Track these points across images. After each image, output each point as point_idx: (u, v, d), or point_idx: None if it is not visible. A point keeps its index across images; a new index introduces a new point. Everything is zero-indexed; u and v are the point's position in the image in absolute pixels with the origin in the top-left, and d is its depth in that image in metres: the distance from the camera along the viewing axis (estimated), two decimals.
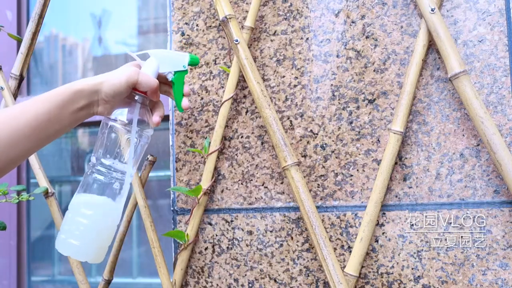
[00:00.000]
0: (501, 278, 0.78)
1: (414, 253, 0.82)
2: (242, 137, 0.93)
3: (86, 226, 0.73)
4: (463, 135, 0.81)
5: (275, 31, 0.92)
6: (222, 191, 0.94)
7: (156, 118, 0.78)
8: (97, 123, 1.47)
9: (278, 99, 0.91)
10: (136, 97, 0.76)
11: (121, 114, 0.76)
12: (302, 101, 0.90)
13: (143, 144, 0.79)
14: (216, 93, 0.95)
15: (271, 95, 0.91)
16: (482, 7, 0.81)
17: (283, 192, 0.90)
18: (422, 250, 0.82)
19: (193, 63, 0.82)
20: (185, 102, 0.81)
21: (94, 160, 0.76)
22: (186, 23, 0.98)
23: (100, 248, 0.75)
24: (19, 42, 1.05)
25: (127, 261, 1.48)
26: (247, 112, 0.93)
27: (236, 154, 0.93)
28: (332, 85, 0.88)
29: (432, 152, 0.82)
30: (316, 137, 0.88)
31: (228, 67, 0.93)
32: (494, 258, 0.78)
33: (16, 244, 1.49)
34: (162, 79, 0.81)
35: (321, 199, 0.87)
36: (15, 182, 1.48)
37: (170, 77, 0.80)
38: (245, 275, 0.92)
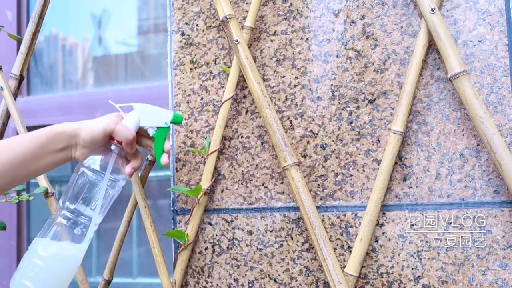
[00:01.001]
0: (501, 278, 0.78)
1: (414, 253, 0.82)
2: (242, 137, 0.93)
3: (41, 268, 0.73)
4: (463, 135, 0.81)
5: (275, 31, 0.92)
6: (222, 191, 0.94)
7: (128, 169, 0.78)
8: None
9: (278, 99, 0.91)
10: (112, 147, 0.76)
11: (94, 163, 0.76)
12: (302, 101, 0.90)
13: (114, 194, 0.78)
14: (216, 93, 0.95)
15: (271, 95, 0.91)
16: (482, 7, 0.81)
17: (283, 192, 0.90)
18: (422, 250, 0.82)
19: (176, 122, 0.81)
20: (164, 158, 0.79)
21: (61, 204, 0.76)
22: (186, 23, 0.98)
23: None
24: (19, 42, 1.05)
25: (127, 261, 1.48)
26: (247, 112, 0.93)
27: (236, 154, 0.93)
28: (332, 85, 0.88)
29: (432, 152, 0.82)
30: (316, 137, 0.88)
31: (228, 67, 0.93)
32: (494, 258, 0.78)
33: (16, 244, 1.49)
34: (144, 133, 0.81)
35: (321, 199, 0.87)
36: None
37: (151, 132, 0.79)
38: (245, 275, 0.92)
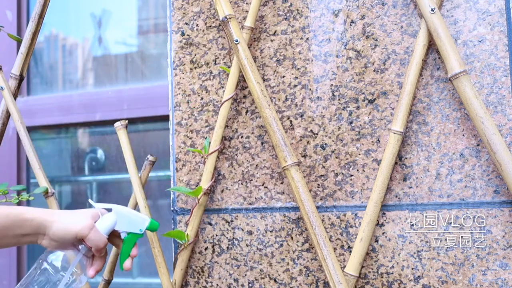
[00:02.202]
0: (501, 278, 0.78)
1: (414, 253, 0.82)
2: (242, 137, 0.93)
3: None
4: (463, 135, 0.81)
5: (275, 31, 0.92)
6: (222, 191, 0.94)
7: (91, 272, 0.77)
8: (97, 123, 1.47)
9: (278, 99, 0.91)
10: (80, 247, 0.75)
11: (57, 259, 0.74)
12: (302, 101, 0.90)
13: None
14: (216, 93, 0.95)
15: (271, 95, 0.91)
16: (482, 7, 0.81)
17: (283, 192, 0.90)
18: (422, 250, 0.82)
19: (152, 229, 0.80)
20: (127, 264, 0.78)
21: None
22: (186, 23, 0.98)
23: None
24: (19, 42, 1.05)
25: None
26: (247, 112, 0.93)
27: (236, 154, 0.93)
28: (332, 85, 0.88)
29: (432, 152, 0.82)
30: (316, 137, 0.88)
31: (228, 67, 0.93)
32: (494, 258, 0.78)
33: None
34: (116, 233, 0.79)
35: (321, 199, 0.87)
36: (15, 182, 1.48)
37: (123, 235, 0.79)
38: (245, 275, 0.92)
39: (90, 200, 0.81)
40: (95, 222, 0.75)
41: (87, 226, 0.73)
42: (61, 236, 0.72)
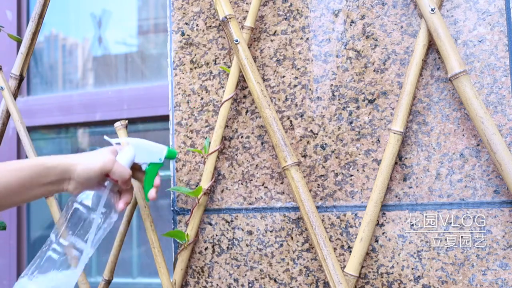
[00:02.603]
0: (501, 278, 0.78)
1: (414, 253, 0.82)
2: (242, 137, 0.93)
3: None
4: (463, 135, 0.81)
5: (275, 31, 0.92)
6: (222, 191, 0.94)
7: (121, 205, 0.79)
8: (97, 123, 1.47)
9: (278, 99, 0.91)
10: (106, 183, 0.77)
11: (87, 198, 0.76)
12: (302, 101, 0.90)
13: (106, 227, 0.79)
14: (216, 93, 0.95)
15: (271, 95, 0.91)
16: (482, 7, 0.81)
17: (283, 192, 0.90)
18: (422, 250, 0.82)
19: (171, 157, 0.82)
20: (152, 193, 0.82)
21: (53, 238, 0.75)
22: (186, 23, 0.98)
23: None
24: (19, 42, 1.05)
25: (127, 261, 1.48)
26: (247, 112, 0.93)
27: (236, 154, 0.93)
28: (332, 85, 0.88)
29: (432, 152, 0.82)
30: (316, 137, 0.88)
31: (228, 67, 0.93)
32: (494, 258, 0.78)
33: (16, 244, 1.49)
34: (137, 166, 0.82)
35: (321, 199, 0.87)
36: None
37: (144, 166, 0.81)
38: (245, 275, 0.92)
39: (105, 137, 0.82)
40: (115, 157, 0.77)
41: (110, 160, 0.75)
42: (87, 176, 0.74)
